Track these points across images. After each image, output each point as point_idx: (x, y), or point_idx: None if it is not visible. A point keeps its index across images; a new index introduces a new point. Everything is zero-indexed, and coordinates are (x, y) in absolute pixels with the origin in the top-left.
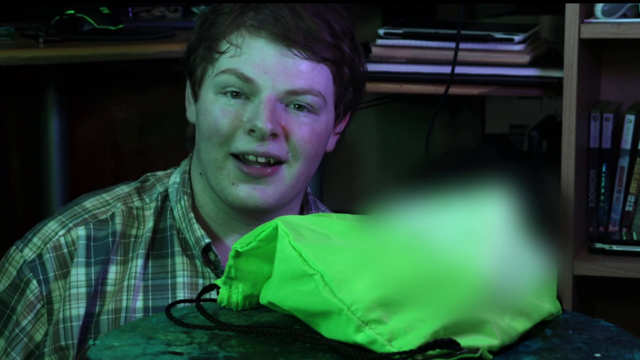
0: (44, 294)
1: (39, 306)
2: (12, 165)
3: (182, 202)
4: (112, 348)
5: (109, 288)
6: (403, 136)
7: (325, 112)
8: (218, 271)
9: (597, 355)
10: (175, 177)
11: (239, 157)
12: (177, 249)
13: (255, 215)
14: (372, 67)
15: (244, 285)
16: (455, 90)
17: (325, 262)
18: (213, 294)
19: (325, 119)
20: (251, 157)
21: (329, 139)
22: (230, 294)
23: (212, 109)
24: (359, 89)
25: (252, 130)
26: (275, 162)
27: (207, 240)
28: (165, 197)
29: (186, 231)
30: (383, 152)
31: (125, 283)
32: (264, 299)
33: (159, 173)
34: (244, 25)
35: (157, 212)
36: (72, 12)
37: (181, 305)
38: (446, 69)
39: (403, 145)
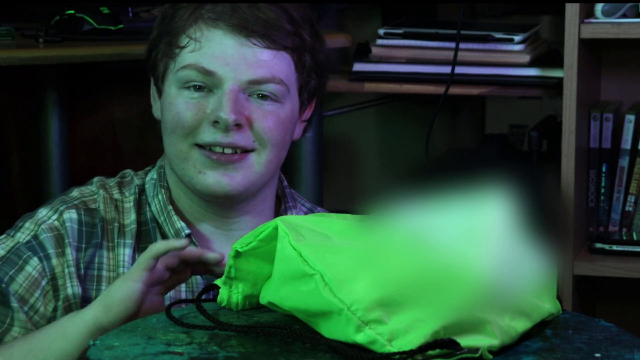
0: (47, 270)
1: (44, 283)
2: (12, 165)
3: (160, 195)
4: (112, 348)
5: (104, 273)
6: (403, 136)
7: (289, 99)
8: None
9: (597, 355)
10: (152, 174)
11: (204, 147)
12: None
13: (225, 203)
14: (372, 67)
15: (244, 285)
16: (455, 90)
17: (325, 262)
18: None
19: (290, 107)
20: (217, 149)
21: (296, 127)
22: (230, 294)
23: (175, 103)
24: (322, 75)
25: (216, 122)
26: (243, 152)
27: (187, 231)
28: (141, 190)
29: (165, 224)
30: (383, 152)
31: (121, 270)
32: (264, 299)
33: (138, 172)
34: (201, 18)
35: (136, 205)
36: (72, 12)
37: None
38: (446, 69)
39: (403, 145)
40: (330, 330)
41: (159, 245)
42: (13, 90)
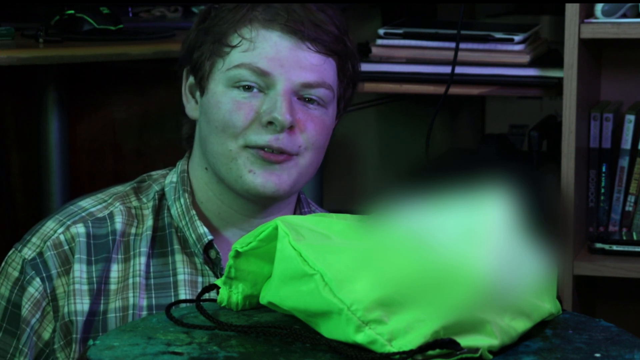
0: (48, 291)
1: (44, 304)
2: (12, 165)
3: (182, 200)
4: (112, 348)
5: (112, 286)
6: (403, 136)
7: (332, 105)
8: (217, 269)
9: (597, 355)
10: (171, 177)
11: (255, 148)
12: (177, 246)
13: (264, 202)
14: (372, 67)
15: (244, 285)
16: (455, 90)
17: (325, 262)
18: (213, 294)
19: (332, 112)
20: (267, 150)
21: None
22: (230, 294)
23: (224, 102)
24: (355, 86)
25: (270, 123)
26: (289, 154)
27: (210, 237)
28: (161, 196)
29: (186, 229)
30: (383, 152)
31: (130, 281)
32: (264, 299)
33: (155, 174)
34: (256, 19)
35: (155, 211)
36: (72, 12)
37: (181, 305)
38: (446, 69)
39: (403, 145)
40: (330, 330)
41: None
42: (13, 90)
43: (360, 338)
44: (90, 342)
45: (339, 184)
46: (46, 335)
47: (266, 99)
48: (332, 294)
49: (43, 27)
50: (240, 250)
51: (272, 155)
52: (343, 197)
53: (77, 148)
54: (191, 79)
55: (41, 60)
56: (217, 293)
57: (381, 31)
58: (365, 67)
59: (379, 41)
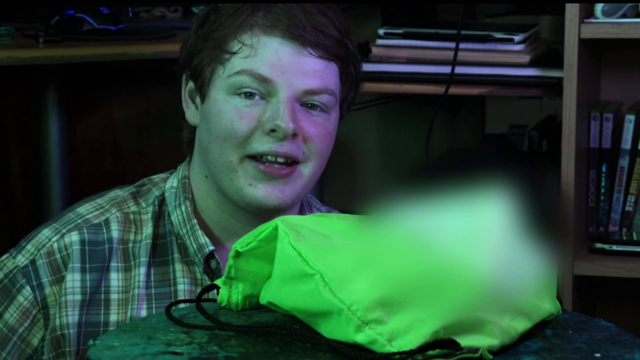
0: (39, 299)
1: (34, 312)
2: (12, 165)
3: (183, 207)
4: (112, 348)
5: (113, 296)
6: (403, 136)
7: (335, 110)
8: (216, 279)
9: (597, 355)
10: (172, 182)
11: (256, 158)
12: (177, 255)
13: (268, 215)
14: (372, 67)
15: (244, 285)
16: (455, 90)
17: (325, 262)
18: (213, 294)
19: (335, 118)
20: (270, 158)
21: None
22: (230, 294)
23: (226, 110)
24: (357, 88)
25: (273, 131)
26: (292, 162)
27: (211, 247)
28: (162, 201)
29: (186, 237)
30: (383, 152)
31: (131, 293)
32: (264, 299)
33: (155, 177)
34: (256, 25)
35: (155, 217)
36: (72, 12)
37: (181, 305)
38: (446, 69)
39: (403, 145)
40: (330, 330)
41: None
42: (13, 90)
43: (360, 338)
44: (90, 342)
45: (339, 184)
46: (35, 341)
47: (268, 106)
48: (332, 294)
49: (43, 27)
50: (240, 250)
51: (274, 169)
52: (343, 197)
53: (77, 148)
54: (191, 84)
55: (41, 60)
56: (217, 293)
57: (381, 31)
58: (366, 67)
59: (379, 41)
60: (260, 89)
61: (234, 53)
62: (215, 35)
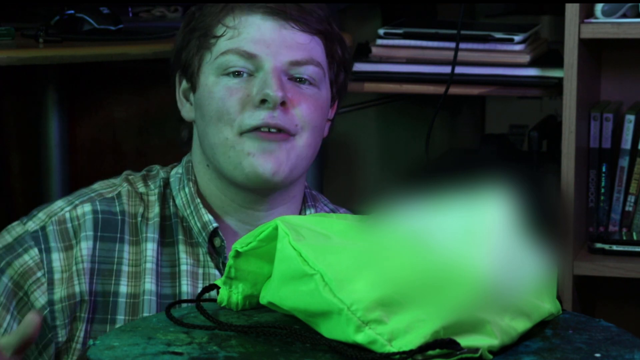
0: (45, 262)
1: (39, 274)
2: (12, 165)
3: (187, 188)
4: (112, 348)
5: (124, 268)
6: (403, 136)
7: (325, 85)
8: (219, 259)
9: (597, 355)
10: (177, 169)
11: (251, 131)
12: (181, 237)
13: (263, 191)
14: (372, 67)
15: (244, 285)
16: (455, 90)
17: (325, 262)
18: (213, 294)
19: (325, 94)
20: (263, 129)
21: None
22: (230, 294)
23: (216, 91)
24: (347, 74)
25: (263, 101)
26: (286, 134)
27: (215, 224)
28: (166, 184)
29: (191, 217)
30: (383, 152)
31: (143, 266)
32: (264, 299)
33: (165, 167)
34: (238, 7)
35: (160, 198)
36: (72, 12)
37: (182, 305)
38: (446, 69)
39: (403, 145)
40: (330, 330)
41: (10, 340)
42: (13, 90)
43: (360, 338)
44: (90, 342)
45: (339, 184)
46: (37, 305)
47: (256, 80)
48: (332, 294)
49: (43, 27)
50: (240, 250)
51: (269, 134)
52: (343, 197)
53: (77, 148)
54: (184, 84)
55: (41, 60)
56: (217, 293)
57: (381, 31)
58: (365, 67)
59: (379, 41)
60: (247, 66)
61: (219, 37)
62: (200, 25)
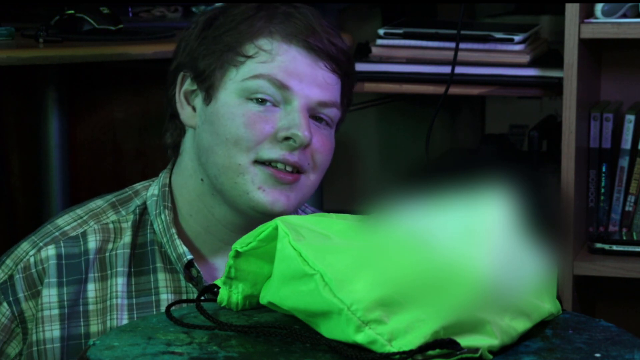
0: (16, 314)
1: (13, 326)
2: (12, 165)
3: (163, 216)
4: (112, 348)
5: (91, 307)
6: (403, 136)
7: (334, 127)
8: (200, 287)
9: (597, 355)
10: (153, 190)
11: (264, 163)
12: (159, 265)
13: (262, 220)
14: (372, 67)
15: (244, 285)
16: (455, 90)
17: (325, 262)
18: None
19: (334, 133)
20: (279, 165)
21: None
22: (230, 294)
23: (238, 114)
24: (347, 110)
25: (287, 139)
26: (297, 172)
27: (190, 256)
28: (143, 210)
29: (167, 246)
30: (383, 152)
31: (108, 303)
32: (264, 299)
33: (137, 185)
34: (276, 31)
35: (135, 226)
36: (72, 12)
37: (182, 305)
38: (446, 69)
39: (403, 145)
40: (330, 330)
41: None
42: (13, 90)
43: (360, 338)
44: (91, 342)
45: (339, 184)
46: (12, 353)
47: (283, 114)
48: (332, 294)
49: (43, 27)
50: (240, 250)
51: (284, 175)
52: (343, 197)
53: (77, 148)
54: (189, 85)
55: (41, 60)
56: (217, 293)
57: (381, 31)
58: (365, 67)
59: (379, 41)
60: (275, 96)
61: (250, 57)
62: (226, 39)
